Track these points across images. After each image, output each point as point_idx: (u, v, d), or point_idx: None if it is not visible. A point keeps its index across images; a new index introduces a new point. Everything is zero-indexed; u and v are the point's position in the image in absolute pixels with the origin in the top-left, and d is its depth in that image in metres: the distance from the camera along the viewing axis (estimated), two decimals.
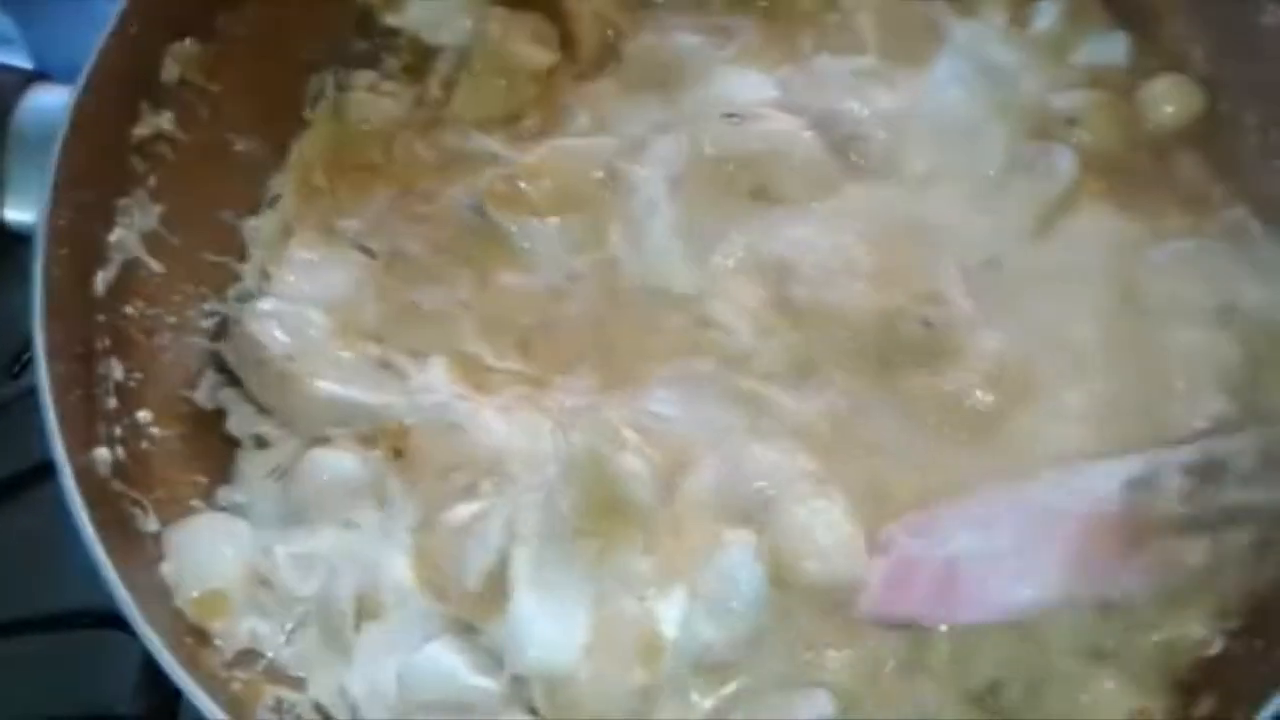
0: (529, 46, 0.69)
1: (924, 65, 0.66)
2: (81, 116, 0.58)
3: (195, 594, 0.57)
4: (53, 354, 0.56)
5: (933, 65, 0.66)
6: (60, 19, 0.88)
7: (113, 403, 0.60)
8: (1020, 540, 0.54)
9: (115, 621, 0.70)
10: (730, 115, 0.64)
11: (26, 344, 0.76)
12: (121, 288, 0.62)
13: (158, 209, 0.63)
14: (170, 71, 0.63)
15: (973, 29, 0.66)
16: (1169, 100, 0.65)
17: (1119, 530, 0.53)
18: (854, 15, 0.69)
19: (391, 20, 0.71)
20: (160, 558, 0.58)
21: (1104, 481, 0.54)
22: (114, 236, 0.62)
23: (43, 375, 0.55)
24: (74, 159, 0.58)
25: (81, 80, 0.59)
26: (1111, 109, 0.65)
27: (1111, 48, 0.66)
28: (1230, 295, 0.59)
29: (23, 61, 0.85)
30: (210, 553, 0.59)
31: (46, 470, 0.74)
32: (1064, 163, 0.63)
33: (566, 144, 0.66)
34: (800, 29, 0.69)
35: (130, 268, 0.62)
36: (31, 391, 0.76)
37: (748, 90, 0.66)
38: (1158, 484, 0.54)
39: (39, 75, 0.63)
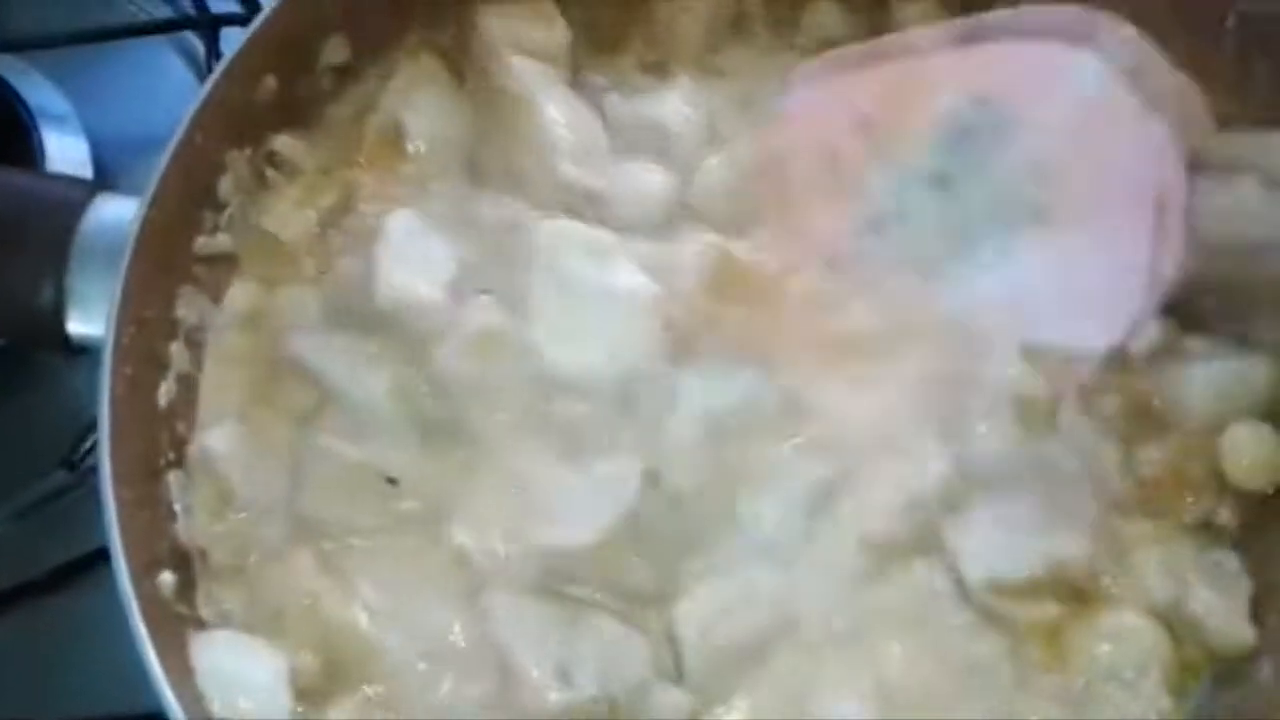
0: None
1: None
2: (148, 233, 0.58)
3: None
4: (119, 478, 0.55)
5: None
6: (115, 94, 0.89)
7: (180, 524, 0.59)
8: None
9: None
10: None
11: (85, 434, 0.78)
12: (183, 399, 0.61)
13: None
14: (227, 182, 0.63)
15: None
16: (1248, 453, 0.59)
17: None
18: None
19: None
20: None
21: None
22: (176, 347, 0.61)
23: (109, 502, 0.55)
24: (140, 276, 0.58)
25: (147, 195, 0.58)
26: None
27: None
28: None
29: (76, 137, 0.86)
30: (239, 672, 0.57)
31: (98, 558, 0.76)
32: None
33: None
34: None
35: (192, 378, 0.62)
36: (87, 478, 0.77)
37: None
38: None
39: (102, 186, 0.63)
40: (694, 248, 0.62)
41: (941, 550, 0.59)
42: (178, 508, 0.60)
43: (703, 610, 0.57)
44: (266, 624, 0.58)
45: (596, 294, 0.60)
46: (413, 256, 0.61)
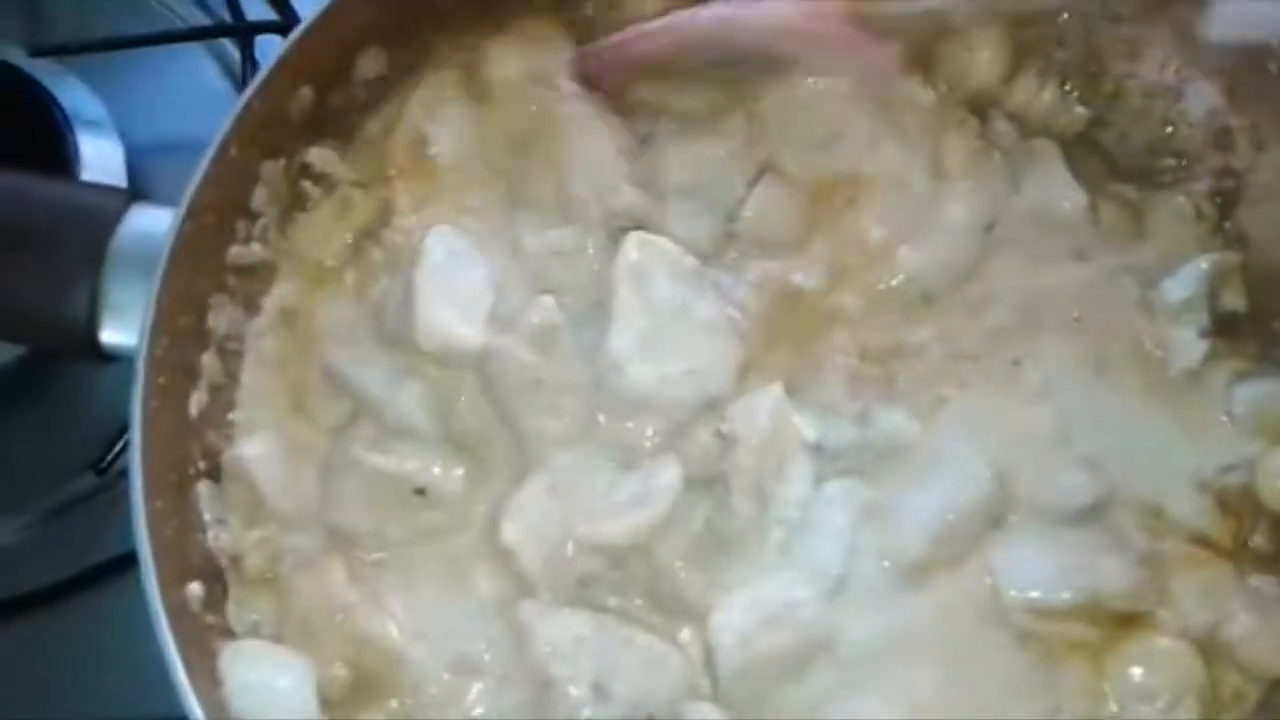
0: None
1: None
2: (182, 244, 0.58)
3: None
4: (149, 487, 0.55)
5: None
6: (150, 100, 0.89)
7: (210, 533, 0.59)
8: None
9: None
10: None
11: (114, 439, 0.78)
12: (215, 406, 0.62)
13: None
14: (261, 193, 0.63)
15: None
16: None
17: None
18: None
19: None
20: None
21: None
22: (208, 357, 0.62)
23: (139, 511, 0.54)
24: (174, 286, 0.58)
25: (182, 207, 0.58)
26: None
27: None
28: None
29: (111, 141, 0.86)
30: (267, 681, 0.57)
31: (124, 563, 0.76)
32: None
33: None
34: None
35: (223, 386, 0.62)
36: (116, 484, 0.78)
37: None
38: None
39: (136, 193, 0.63)
40: (751, 276, 0.62)
41: (980, 570, 0.58)
42: (207, 517, 0.60)
43: (741, 620, 0.56)
44: (296, 634, 0.58)
45: (682, 315, 0.60)
46: (452, 283, 0.61)
